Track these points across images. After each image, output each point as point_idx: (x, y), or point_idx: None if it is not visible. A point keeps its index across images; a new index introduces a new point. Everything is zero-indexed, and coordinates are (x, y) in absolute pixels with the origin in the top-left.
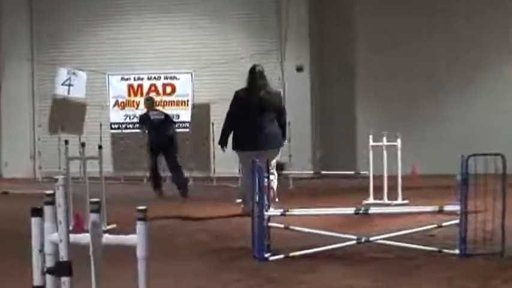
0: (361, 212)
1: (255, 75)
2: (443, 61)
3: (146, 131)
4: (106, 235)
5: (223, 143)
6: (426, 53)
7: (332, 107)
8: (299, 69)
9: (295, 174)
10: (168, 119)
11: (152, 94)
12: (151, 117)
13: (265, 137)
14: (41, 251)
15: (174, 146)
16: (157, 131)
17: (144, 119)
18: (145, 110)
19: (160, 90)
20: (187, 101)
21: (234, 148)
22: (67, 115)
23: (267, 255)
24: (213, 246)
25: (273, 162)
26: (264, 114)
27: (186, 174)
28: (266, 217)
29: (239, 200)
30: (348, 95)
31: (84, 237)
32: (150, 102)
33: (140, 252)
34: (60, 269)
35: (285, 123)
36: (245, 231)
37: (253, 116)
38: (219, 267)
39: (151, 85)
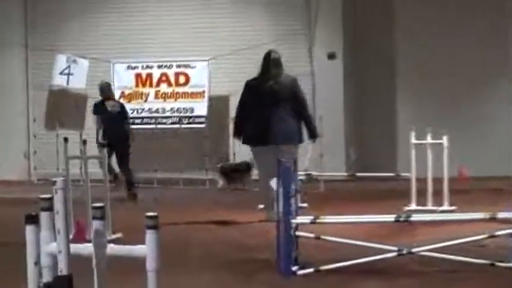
0: (402, 219)
1: (269, 63)
2: (489, 59)
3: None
4: (111, 245)
5: (238, 135)
6: (471, 49)
7: (368, 100)
8: (331, 56)
9: (327, 176)
10: (123, 111)
11: (163, 85)
12: (108, 108)
13: (278, 131)
14: (37, 263)
15: (129, 144)
16: (113, 125)
17: (99, 109)
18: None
19: (173, 80)
20: (203, 92)
21: (244, 142)
22: (66, 108)
23: (294, 268)
24: (231, 257)
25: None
26: (276, 105)
27: (202, 176)
28: (293, 225)
29: (262, 206)
30: (386, 87)
31: (86, 248)
32: (107, 89)
33: (150, 264)
34: (59, 284)
35: (307, 114)
36: (269, 240)
37: (264, 108)
38: (238, 282)
39: (161, 74)
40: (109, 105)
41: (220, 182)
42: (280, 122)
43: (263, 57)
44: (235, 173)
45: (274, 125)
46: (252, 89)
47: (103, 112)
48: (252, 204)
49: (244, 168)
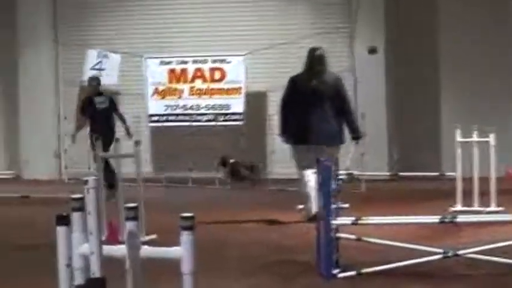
0: (447, 220)
1: (314, 60)
2: None
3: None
4: (145, 247)
5: (283, 132)
6: None
7: (411, 96)
8: (372, 51)
9: (369, 176)
10: (112, 106)
11: (198, 81)
12: (96, 105)
13: (320, 131)
14: (69, 265)
15: (112, 140)
16: (100, 121)
17: (86, 106)
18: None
19: (207, 75)
20: (240, 88)
21: (285, 141)
22: None
23: (335, 271)
24: (269, 259)
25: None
26: (320, 103)
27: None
28: (334, 226)
29: (301, 206)
30: (429, 83)
31: (119, 249)
32: (95, 84)
33: (186, 267)
34: (92, 286)
35: (350, 114)
36: (308, 242)
37: (308, 106)
38: (277, 285)
39: (196, 70)
40: (97, 101)
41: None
42: (323, 122)
43: (307, 53)
44: (245, 171)
45: (317, 125)
46: (295, 85)
47: (90, 108)
48: (290, 204)
49: (251, 169)
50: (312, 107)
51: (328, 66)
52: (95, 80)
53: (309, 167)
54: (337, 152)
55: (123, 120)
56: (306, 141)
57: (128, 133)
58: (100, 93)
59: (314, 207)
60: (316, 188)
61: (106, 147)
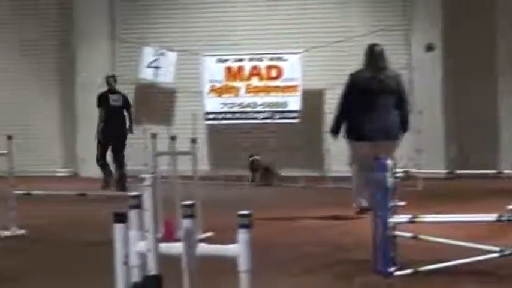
0: (504, 219)
1: (375, 56)
2: None
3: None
4: (202, 244)
5: (334, 131)
6: None
7: (469, 93)
8: (429, 48)
9: (425, 174)
10: (126, 105)
11: (254, 78)
12: (111, 102)
13: (382, 126)
14: (126, 263)
15: (125, 139)
16: (113, 118)
17: (101, 102)
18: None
19: (264, 73)
20: (296, 86)
21: (346, 137)
22: (154, 103)
23: (391, 269)
24: (325, 258)
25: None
26: (382, 100)
27: (295, 173)
28: (391, 224)
29: (356, 204)
30: (487, 80)
31: (176, 247)
32: (111, 82)
33: (243, 265)
34: (149, 284)
35: (407, 110)
36: (365, 240)
37: (369, 102)
38: (334, 284)
39: (253, 68)
40: (112, 98)
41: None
42: (382, 118)
43: (366, 50)
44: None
45: (376, 121)
46: (356, 82)
47: (105, 105)
48: (347, 201)
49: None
50: (373, 103)
51: (388, 63)
52: (112, 78)
53: (365, 164)
54: (394, 147)
55: (131, 120)
56: (364, 138)
57: (131, 131)
58: (115, 91)
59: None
60: (370, 185)
61: (116, 142)
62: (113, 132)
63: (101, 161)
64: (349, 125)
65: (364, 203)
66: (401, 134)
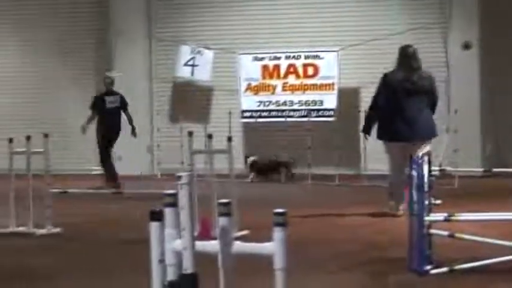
0: None
1: (408, 57)
2: None
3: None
4: (237, 242)
5: (366, 131)
6: None
7: (506, 92)
8: (467, 46)
9: (462, 172)
10: (122, 105)
11: (291, 76)
12: (107, 105)
13: (417, 127)
14: (162, 261)
15: (116, 139)
16: (109, 120)
17: (97, 104)
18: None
19: (301, 71)
20: (333, 84)
21: (379, 137)
22: (190, 101)
23: (427, 267)
24: (361, 257)
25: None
26: (415, 101)
27: (331, 171)
28: (427, 223)
29: (392, 202)
30: None
31: (212, 245)
32: (108, 84)
33: (278, 263)
34: (185, 282)
35: (434, 111)
36: (401, 238)
37: (403, 103)
38: (370, 282)
39: (289, 66)
40: (108, 100)
41: (251, 176)
42: (415, 119)
43: (400, 51)
44: (268, 169)
45: (409, 122)
46: (390, 82)
47: (101, 106)
48: (383, 200)
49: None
50: (406, 104)
51: (421, 64)
52: (109, 79)
53: (401, 163)
54: (428, 147)
55: (130, 120)
56: (398, 139)
57: (133, 133)
58: (112, 92)
59: (402, 204)
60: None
61: (111, 143)
62: (109, 133)
63: (104, 162)
64: (382, 125)
65: (396, 209)
66: (436, 134)
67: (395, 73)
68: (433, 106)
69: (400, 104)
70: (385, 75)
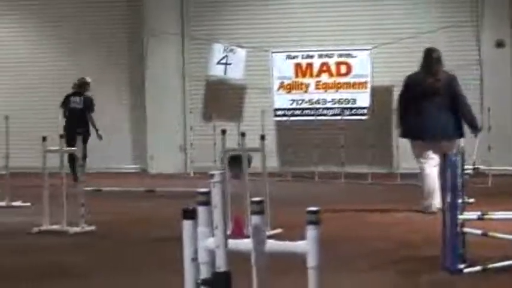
0: None
1: (430, 60)
2: None
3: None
4: (270, 241)
5: (398, 127)
6: None
7: None
8: (499, 44)
9: (495, 170)
10: (86, 106)
11: (324, 75)
12: (71, 104)
13: (437, 127)
14: (195, 259)
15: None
16: (72, 120)
17: (64, 102)
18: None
19: (334, 70)
20: (366, 82)
21: (402, 135)
22: (224, 100)
23: (460, 266)
24: (394, 255)
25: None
26: (436, 101)
27: (364, 169)
28: (460, 221)
29: (426, 202)
30: None
31: (245, 244)
32: (77, 85)
33: (311, 261)
34: (217, 280)
35: (465, 108)
36: (434, 237)
37: (425, 103)
38: (403, 281)
39: (322, 64)
40: (72, 100)
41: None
42: (437, 118)
43: (424, 54)
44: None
45: (432, 121)
46: (412, 83)
47: (66, 106)
48: (416, 198)
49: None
50: (427, 104)
51: (444, 66)
52: (79, 81)
53: (427, 161)
54: (453, 147)
55: (93, 124)
56: (421, 137)
57: (98, 135)
58: (77, 93)
59: (436, 202)
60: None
61: (70, 143)
62: (70, 132)
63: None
64: (406, 124)
65: (429, 208)
66: (472, 133)
67: (418, 74)
68: (458, 107)
69: (422, 105)
70: (408, 77)
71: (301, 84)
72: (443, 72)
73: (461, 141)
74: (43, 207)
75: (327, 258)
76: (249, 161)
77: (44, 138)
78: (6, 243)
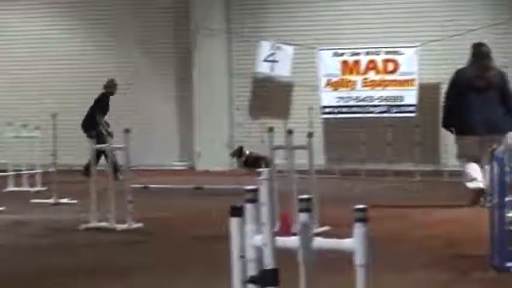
0: None
1: (480, 55)
2: None
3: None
4: (318, 238)
5: (446, 125)
6: None
7: None
8: None
9: None
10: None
11: (371, 72)
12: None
13: (488, 121)
14: (243, 256)
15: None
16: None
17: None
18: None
19: (381, 67)
20: (413, 80)
21: (453, 132)
22: (271, 97)
23: (509, 264)
24: (442, 253)
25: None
26: (487, 96)
27: (412, 167)
28: (509, 219)
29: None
30: None
31: (292, 241)
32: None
33: (359, 259)
34: (266, 277)
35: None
36: (482, 235)
37: (474, 99)
38: (451, 279)
39: (369, 61)
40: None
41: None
42: (487, 114)
43: (472, 49)
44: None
45: (482, 116)
46: (460, 79)
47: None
48: (463, 197)
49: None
50: (478, 100)
51: (493, 61)
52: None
53: (473, 158)
54: (502, 141)
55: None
56: (470, 133)
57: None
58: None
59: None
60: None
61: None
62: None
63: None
64: (456, 120)
65: (479, 185)
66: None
67: (466, 70)
68: (506, 103)
69: (470, 100)
70: (456, 73)
71: (348, 81)
72: (492, 68)
73: (510, 138)
74: (90, 204)
75: (376, 256)
76: (267, 164)
77: (92, 136)
78: (54, 240)
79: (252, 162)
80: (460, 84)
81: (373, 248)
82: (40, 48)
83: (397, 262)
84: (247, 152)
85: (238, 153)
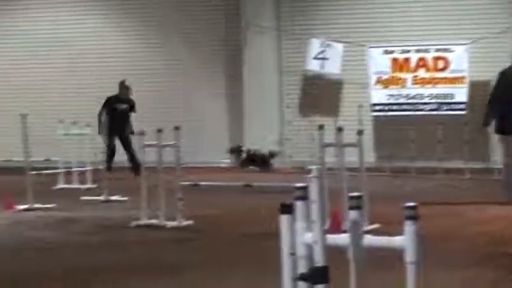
0: None
1: None
2: None
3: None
4: (368, 236)
5: (485, 124)
6: None
7: None
8: None
9: None
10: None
11: (421, 70)
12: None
13: None
14: (293, 254)
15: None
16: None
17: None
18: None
19: (431, 64)
20: (463, 77)
21: (496, 131)
22: (321, 94)
23: None
24: (492, 251)
25: None
26: None
27: (462, 165)
28: None
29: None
30: None
31: (343, 239)
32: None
33: (409, 256)
34: (316, 275)
35: None
36: None
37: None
38: (500, 277)
39: (419, 59)
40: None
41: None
42: None
43: None
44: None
45: None
46: (505, 78)
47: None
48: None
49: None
50: None
51: None
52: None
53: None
54: None
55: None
56: (509, 132)
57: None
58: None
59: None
60: None
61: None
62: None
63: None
64: (497, 119)
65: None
66: None
67: (510, 69)
68: None
69: (509, 99)
70: (501, 72)
71: (399, 79)
72: None
73: None
74: (141, 202)
75: (426, 254)
76: (266, 162)
77: (142, 133)
78: (105, 237)
79: (251, 160)
80: (503, 84)
81: (423, 245)
82: (90, 46)
83: (448, 260)
84: (246, 149)
85: (236, 150)
